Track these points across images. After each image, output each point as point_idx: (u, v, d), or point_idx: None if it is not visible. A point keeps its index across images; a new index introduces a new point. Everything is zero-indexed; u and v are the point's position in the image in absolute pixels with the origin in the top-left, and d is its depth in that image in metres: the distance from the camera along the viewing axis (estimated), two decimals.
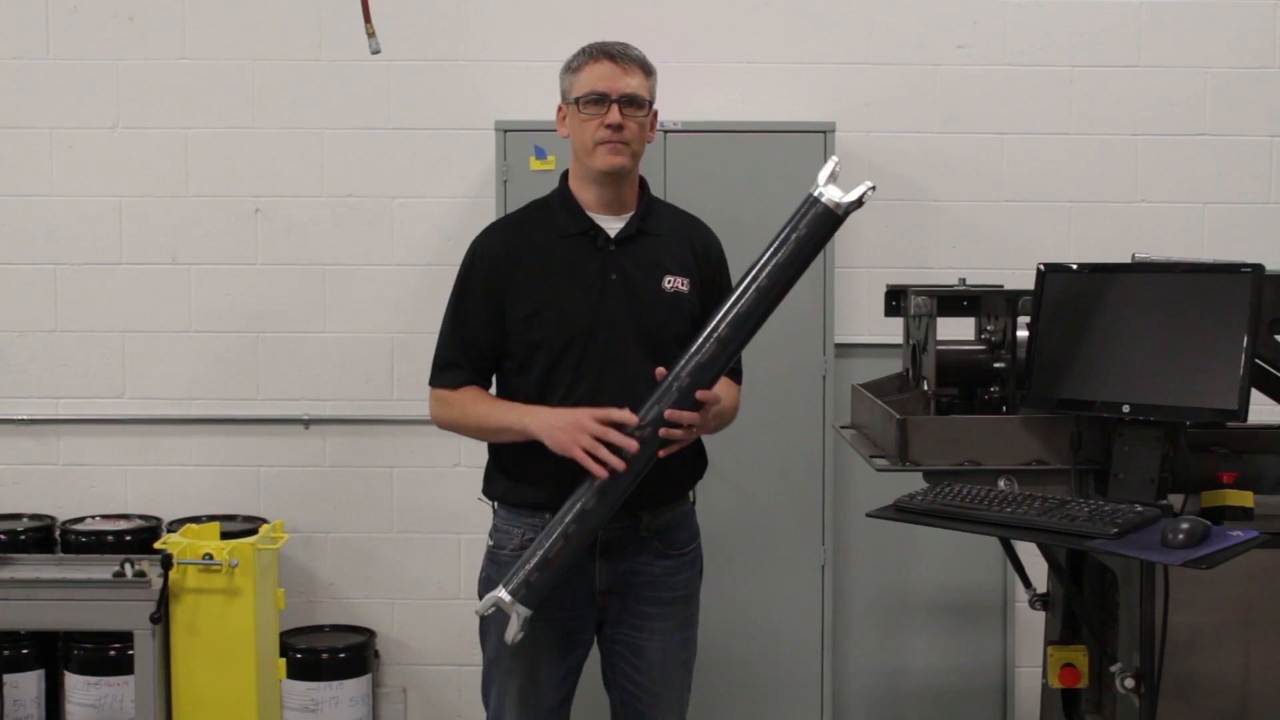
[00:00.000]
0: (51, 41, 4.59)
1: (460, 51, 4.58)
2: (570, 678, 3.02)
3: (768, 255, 2.79)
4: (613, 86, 2.90)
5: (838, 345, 4.36)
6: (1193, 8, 4.57)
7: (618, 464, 2.74)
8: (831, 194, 2.75)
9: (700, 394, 2.77)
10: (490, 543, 3.03)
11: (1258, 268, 2.77)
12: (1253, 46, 4.59)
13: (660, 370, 2.79)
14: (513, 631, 2.79)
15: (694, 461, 3.04)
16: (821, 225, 2.77)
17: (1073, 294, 2.99)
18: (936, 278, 4.26)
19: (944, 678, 4.59)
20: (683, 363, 2.78)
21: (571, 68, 2.96)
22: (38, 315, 4.63)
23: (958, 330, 3.30)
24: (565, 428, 2.78)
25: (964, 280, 3.34)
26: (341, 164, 4.60)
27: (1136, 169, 4.61)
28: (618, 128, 2.88)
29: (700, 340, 2.79)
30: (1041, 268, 3.02)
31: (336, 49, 4.55)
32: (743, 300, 2.78)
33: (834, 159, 2.78)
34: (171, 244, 4.62)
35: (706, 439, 3.05)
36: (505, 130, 4.26)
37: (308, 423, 4.63)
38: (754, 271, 2.79)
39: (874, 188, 2.77)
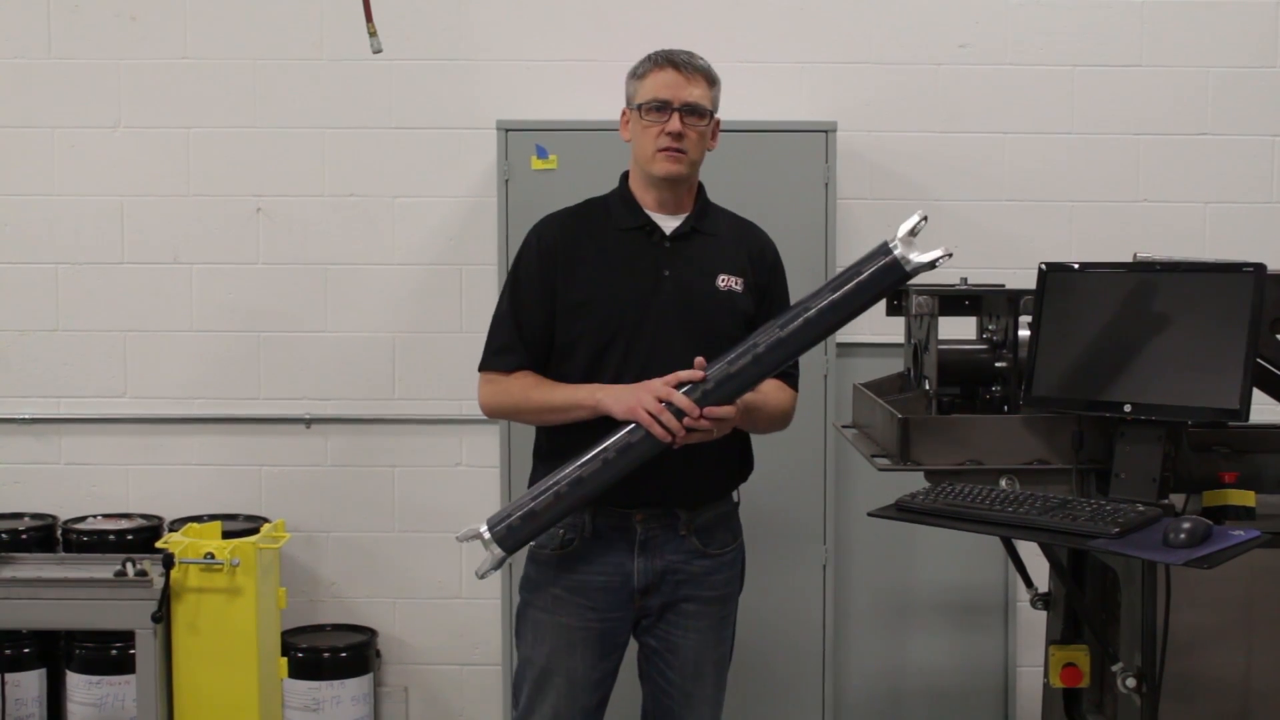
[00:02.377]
0: (53, 41, 4.59)
1: (461, 51, 4.58)
2: (607, 680, 3.02)
3: (825, 289, 2.80)
4: (676, 95, 2.92)
5: (839, 344, 4.36)
6: (1194, 7, 4.57)
7: (679, 429, 2.75)
8: (907, 249, 2.73)
9: (708, 410, 2.77)
10: (532, 542, 3.02)
11: (1259, 267, 2.77)
12: (1254, 46, 4.59)
13: (700, 360, 2.80)
14: (484, 568, 2.84)
15: (736, 464, 3.06)
16: (886, 276, 2.76)
17: (1074, 293, 2.99)
18: (938, 277, 4.24)
19: (945, 677, 4.59)
20: (713, 367, 2.80)
21: (637, 74, 2.98)
22: (39, 315, 4.63)
23: (959, 329, 3.30)
24: (634, 391, 2.79)
25: (965, 279, 3.33)
26: (343, 163, 4.60)
27: (1138, 168, 4.61)
28: (678, 136, 2.91)
29: (738, 350, 2.80)
30: (1043, 267, 3.02)
31: (338, 48, 4.55)
32: (787, 325, 2.79)
33: (920, 214, 2.76)
34: (173, 243, 4.62)
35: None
36: (506, 130, 4.26)
37: (309, 422, 4.63)
38: (807, 300, 2.81)
39: (950, 255, 2.75)
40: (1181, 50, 4.58)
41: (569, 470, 2.81)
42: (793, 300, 3.08)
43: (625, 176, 3.07)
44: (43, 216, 4.61)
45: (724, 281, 2.97)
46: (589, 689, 2.98)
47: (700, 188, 3.06)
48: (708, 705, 3.07)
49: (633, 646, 3.07)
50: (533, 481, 3.03)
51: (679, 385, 2.78)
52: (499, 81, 4.56)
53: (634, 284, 2.93)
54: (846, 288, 2.78)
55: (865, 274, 2.77)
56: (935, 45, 4.58)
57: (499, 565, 2.85)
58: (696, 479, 2.92)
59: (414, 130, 4.59)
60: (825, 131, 4.28)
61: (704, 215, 3.03)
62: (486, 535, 2.83)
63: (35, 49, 4.58)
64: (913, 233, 2.75)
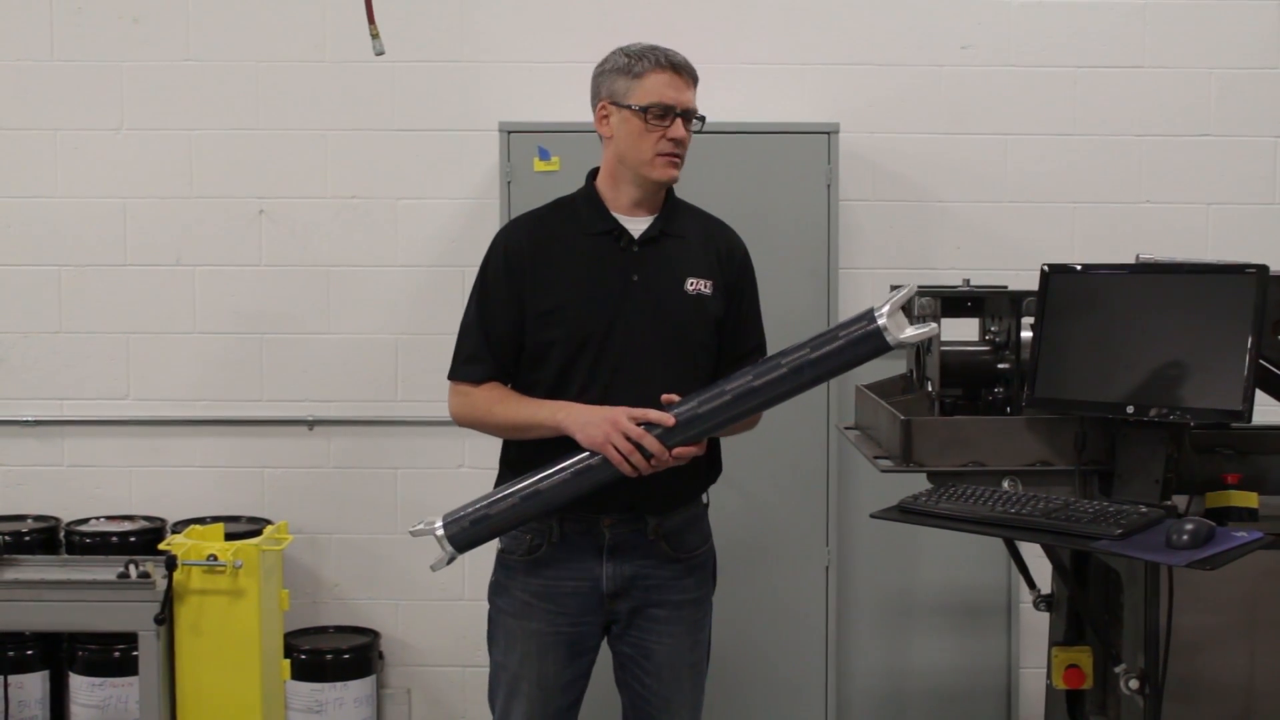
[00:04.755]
0: (56, 43, 4.59)
1: (464, 53, 4.58)
2: (579, 682, 3.01)
3: (804, 345, 2.77)
4: (678, 99, 2.89)
5: None
6: (1197, 8, 4.57)
7: (645, 467, 2.75)
8: (890, 321, 2.68)
9: (677, 451, 2.76)
10: (500, 547, 3.02)
11: (1262, 268, 2.77)
12: (1257, 47, 4.59)
13: (667, 397, 2.78)
14: (438, 565, 2.85)
15: (705, 470, 3.02)
16: (866, 344, 2.72)
17: (1077, 295, 2.98)
18: (941, 278, 4.26)
19: (948, 679, 4.59)
20: (683, 407, 2.77)
21: (633, 72, 2.90)
22: (42, 317, 4.63)
23: (962, 331, 3.30)
24: (599, 424, 2.77)
25: (968, 281, 3.34)
26: (345, 165, 4.60)
27: (1141, 170, 4.61)
28: (680, 142, 2.89)
29: (708, 393, 2.77)
30: (1045, 268, 3.02)
31: (340, 50, 4.55)
32: (760, 376, 2.76)
33: (913, 288, 2.72)
34: (176, 245, 4.62)
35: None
36: (509, 131, 4.26)
37: (312, 424, 4.64)
38: (784, 353, 2.77)
39: (938, 334, 2.72)
40: (1184, 52, 4.58)
41: (528, 481, 2.80)
42: (765, 311, 3.09)
43: (591, 175, 3.02)
44: (45, 218, 4.62)
45: (693, 285, 2.93)
46: (560, 692, 2.98)
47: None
48: (687, 710, 3.04)
49: (608, 654, 3.06)
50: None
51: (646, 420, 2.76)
52: (501, 83, 4.56)
53: (603, 290, 2.89)
54: (825, 349, 2.74)
55: (844, 339, 2.73)
56: (938, 47, 4.58)
57: (450, 562, 2.85)
58: (665, 485, 2.88)
59: (416, 132, 4.59)
60: (827, 133, 4.28)
61: (672, 216, 2.99)
62: (440, 532, 2.83)
63: (38, 51, 4.59)
64: (905, 307, 2.72)
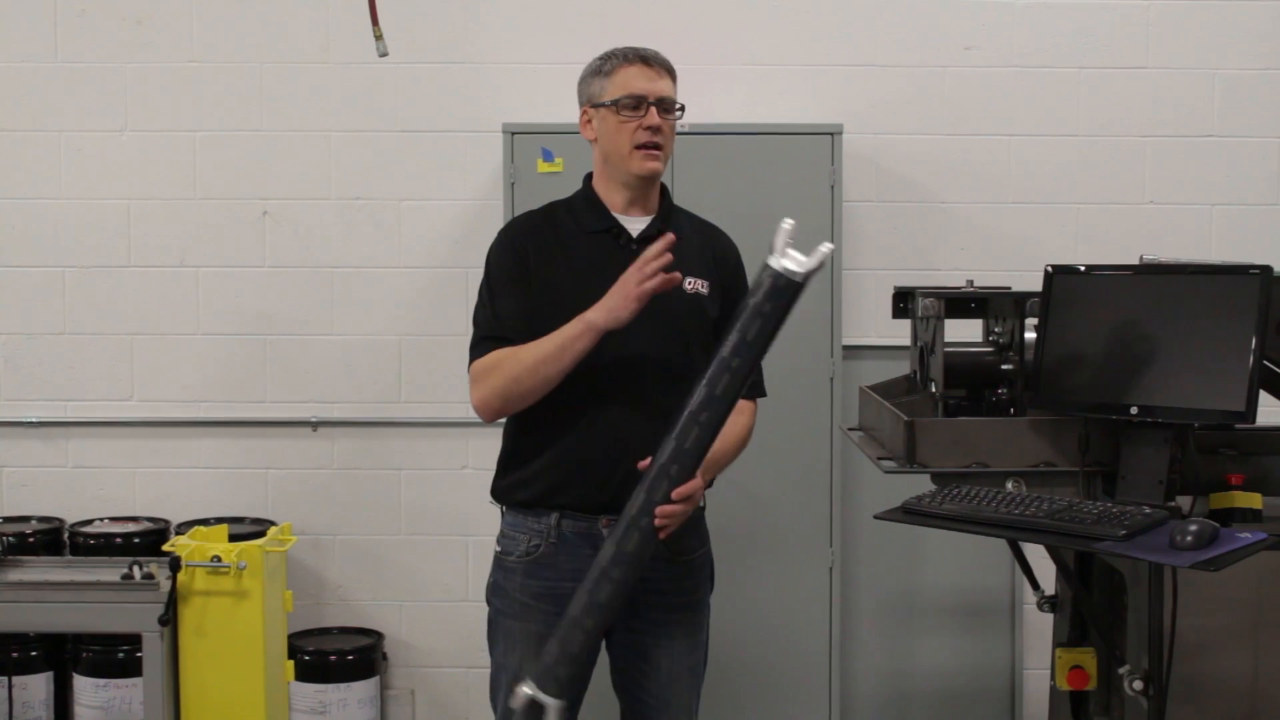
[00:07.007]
0: (60, 44, 4.60)
1: (467, 54, 4.59)
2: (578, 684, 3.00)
3: (733, 332, 2.67)
4: (649, 89, 2.90)
5: (845, 347, 4.36)
6: (1201, 9, 4.57)
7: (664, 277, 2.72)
8: (788, 262, 2.60)
9: (675, 492, 2.68)
10: (498, 548, 3.02)
11: (1266, 269, 2.77)
12: (1261, 48, 4.59)
13: (643, 464, 2.72)
14: None
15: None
16: (783, 295, 2.64)
17: (1080, 295, 2.98)
18: (944, 279, 4.25)
19: (952, 680, 4.59)
20: (665, 450, 2.69)
21: (603, 71, 2.94)
22: (46, 318, 4.64)
23: (965, 332, 3.30)
24: (617, 297, 2.76)
25: (972, 282, 3.33)
26: (349, 166, 4.61)
27: (1144, 170, 4.61)
28: (656, 130, 2.89)
29: (680, 424, 2.68)
30: (1049, 269, 3.02)
31: (344, 52, 4.56)
32: (715, 384, 2.66)
33: (788, 222, 2.65)
34: (180, 246, 4.62)
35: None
36: (512, 133, 4.27)
37: (316, 425, 4.64)
38: (723, 352, 2.66)
39: (832, 249, 2.65)
40: (1187, 52, 4.58)
41: (582, 601, 2.71)
42: None
43: (588, 178, 3.03)
44: (49, 219, 4.62)
45: (691, 284, 2.93)
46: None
47: (664, 188, 3.03)
48: (684, 712, 3.02)
49: (605, 659, 3.03)
50: (494, 493, 3.02)
51: (650, 474, 2.69)
52: (505, 84, 4.56)
53: (602, 287, 2.86)
54: (755, 327, 2.64)
55: (765, 304, 2.63)
56: (941, 48, 4.58)
57: (561, 714, 2.72)
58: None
59: (420, 133, 4.59)
60: (831, 134, 4.28)
61: (670, 217, 3.00)
62: (541, 696, 2.70)
63: (42, 53, 4.59)
64: (788, 243, 2.62)
